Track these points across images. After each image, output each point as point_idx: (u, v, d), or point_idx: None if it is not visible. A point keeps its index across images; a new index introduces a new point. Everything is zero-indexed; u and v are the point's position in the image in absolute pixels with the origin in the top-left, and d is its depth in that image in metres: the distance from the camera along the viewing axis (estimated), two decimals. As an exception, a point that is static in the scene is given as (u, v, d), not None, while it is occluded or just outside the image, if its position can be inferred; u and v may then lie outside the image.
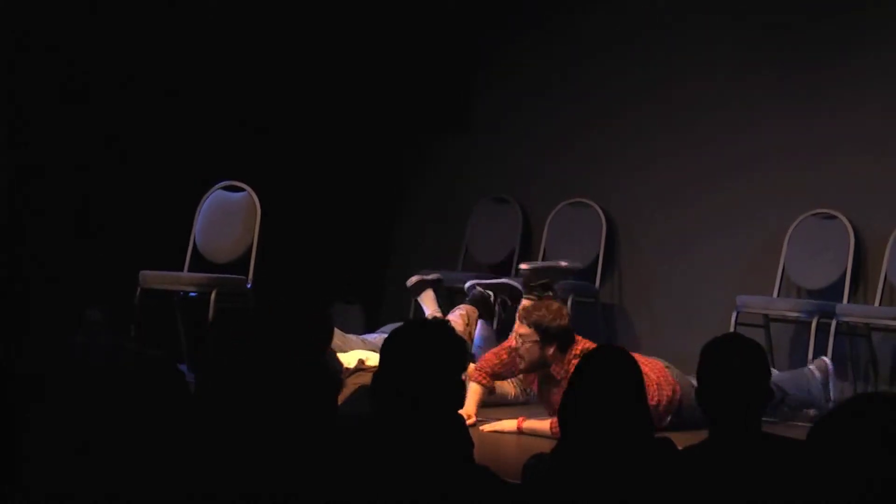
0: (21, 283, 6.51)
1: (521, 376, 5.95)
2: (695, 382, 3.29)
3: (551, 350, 5.48)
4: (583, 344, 5.57)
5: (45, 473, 2.52)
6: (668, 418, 5.51)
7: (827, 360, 6.23)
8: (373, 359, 5.64)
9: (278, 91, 7.77)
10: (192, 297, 6.82)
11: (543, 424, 5.39)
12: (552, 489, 3.00)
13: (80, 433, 2.55)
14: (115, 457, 2.53)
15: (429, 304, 6.86)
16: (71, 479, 2.51)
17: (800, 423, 5.74)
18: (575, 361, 5.44)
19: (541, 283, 6.53)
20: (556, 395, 5.46)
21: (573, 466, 2.99)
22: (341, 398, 5.47)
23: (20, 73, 6.92)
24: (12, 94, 6.91)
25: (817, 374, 6.10)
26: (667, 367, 5.73)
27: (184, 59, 7.36)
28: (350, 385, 5.29)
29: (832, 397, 6.13)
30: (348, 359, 5.59)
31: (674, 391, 5.57)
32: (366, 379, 5.26)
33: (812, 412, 5.98)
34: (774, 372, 5.90)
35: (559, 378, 5.49)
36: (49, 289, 6.51)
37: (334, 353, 5.40)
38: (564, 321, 5.51)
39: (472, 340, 6.46)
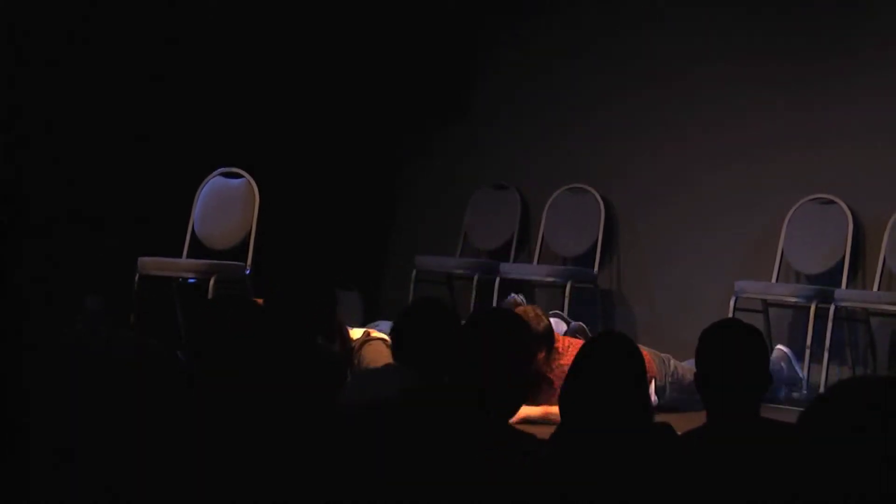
0: (19, 271, 6.51)
1: None
2: (691, 366, 3.30)
3: None
4: (561, 342, 5.57)
5: (44, 464, 2.52)
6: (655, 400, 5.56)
7: (782, 347, 6.38)
8: (376, 332, 5.65)
9: (277, 78, 7.76)
10: (191, 283, 6.82)
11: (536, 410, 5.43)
12: (552, 474, 3.01)
13: (78, 423, 2.55)
14: (113, 447, 2.53)
15: None
16: (70, 468, 2.51)
17: (790, 408, 5.79)
18: (562, 361, 5.47)
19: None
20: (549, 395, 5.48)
21: (573, 451, 2.99)
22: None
23: (17, 59, 6.90)
24: (9, 82, 6.90)
25: (781, 363, 6.28)
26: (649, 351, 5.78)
27: (182, 46, 7.35)
28: (363, 359, 5.27)
29: (800, 374, 6.29)
30: (354, 333, 5.58)
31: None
32: (374, 357, 5.23)
33: (794, 394, 6.19)
34: None
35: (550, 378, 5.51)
36: (47, 276, 6.51)
37: (344, 325, 5.39)
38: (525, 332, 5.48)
39: None
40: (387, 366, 4.87)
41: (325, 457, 2.72)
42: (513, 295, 6.65)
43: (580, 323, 6.48)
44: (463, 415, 2.97)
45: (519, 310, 5.82)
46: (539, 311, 5.64)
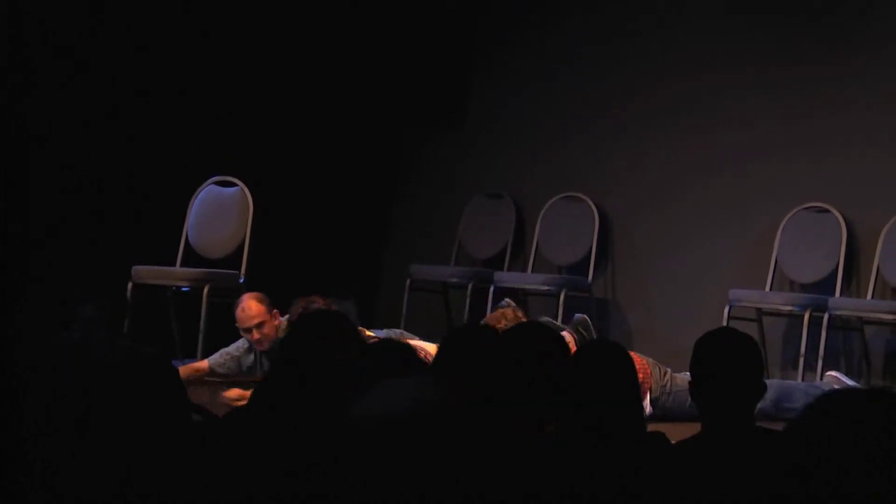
0: (14, 279, 6.50)
1: None
2: (687, 376, 3.31)
3: None
4: None
5: (40, 468, 2.52)
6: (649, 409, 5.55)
7: (836, 374, 6.29)
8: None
9: (271, 85, 7.76)
10: (185, 291, 6.82)
11: None
12: (545, 483, 3.01)
13: (74, 428, 2.55)
14: (109, 452, 2.53)
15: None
16: (66, 473, 2.50)
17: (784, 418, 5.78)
18: None
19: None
20: None
21: (566, 461, 2.99)
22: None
23: (12, 71, 6.90)
24: (5, 92, 6.89)
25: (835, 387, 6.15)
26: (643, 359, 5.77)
27: (176, 55, 7.35)
28: None
29: None
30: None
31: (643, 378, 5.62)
32: None
33: None
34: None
35: None
36: (41, 284, 6.50)
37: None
38: None
39: None
40: (409, 378, 4.87)
41: (346, 466, 2.73)
42: (506, 300, 6.63)
43: (583, 315, 6.44)
44: (496, 426, 2.99)
45: (497, 313, 5.82)
46: (519, 314, 5.65)
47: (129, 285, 6.68)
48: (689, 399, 3.28)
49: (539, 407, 3.11)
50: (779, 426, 3.27)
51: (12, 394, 2.69)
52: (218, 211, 7.07)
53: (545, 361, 3.15)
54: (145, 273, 6.72)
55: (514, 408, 3.08)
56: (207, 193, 7.12)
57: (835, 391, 1.90)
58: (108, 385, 2.59)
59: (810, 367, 6.60)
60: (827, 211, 7.00)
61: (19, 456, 2.55)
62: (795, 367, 6.63)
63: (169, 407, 2.62)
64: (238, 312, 6.09)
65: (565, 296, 7.32)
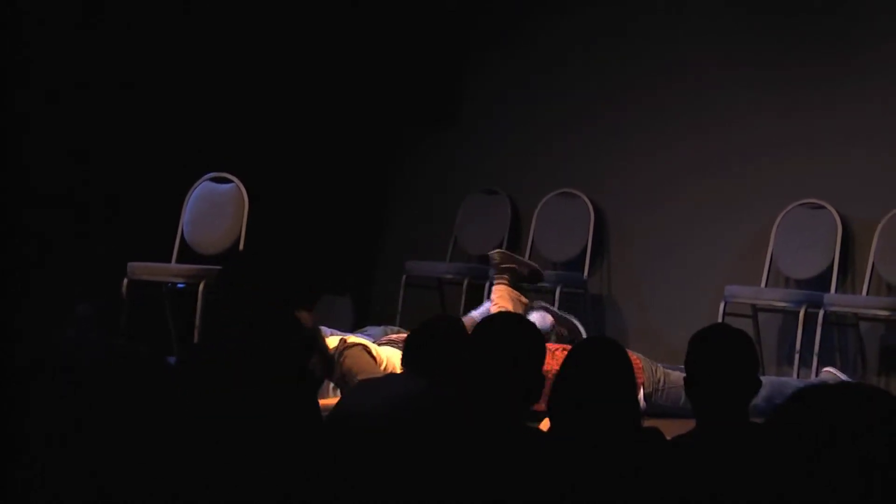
0: (10, 278, 6.50)
1: None
2: (681, 372, 3.31)
3: None
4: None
5: (34, 469, 2.52)
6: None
7: (831, 369, 6.28)
8: (353, 337, 5.62)
9: (267, 83, 7.76)
10: (181, 288, 6.81)
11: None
12: (541, 480, 3.01)
13: (69, 428, 2.55)
14: (103, 452, 2.54)
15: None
16: (59, 474, 2.51)
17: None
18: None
19: (510, 268, 6.45)
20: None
21: (562, 457, 2.99)
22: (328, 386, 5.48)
23: (9, 66, 6.89)
24: (3, 91, 6.89)
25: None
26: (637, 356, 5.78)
27: (171, 51, 7.35)
28: (343, 366, 5.26)
29: None
30: (331, 341, 5.55)
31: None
32: (354, 362, 5.23)
33: None
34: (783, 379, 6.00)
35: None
36: (36, 280, 6.50)
37: (321, 334, 5.37)
38: None
39: None
40: (393, 374, 4.86)
41: (329, 464, 2.73)
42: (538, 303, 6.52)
43: (570, 317, 6.42)
44: (476, 421, 2.98)
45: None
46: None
47: (125, 282, 6.67)
48: (683, 396, 3.28)
49: (516, 397, 3.09)
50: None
51: (11, 393, 2.69)
52: (213, 207, 7.06)
53: (519, 351, 3.12)
54: (141, 269, 6.72)
55: (490, 400, 3.06)
56: (203, 190, 7.12)
57: (810, 385, 1.91)
58: (101, 384, 2.59)
59: (805, 363, 6.61)
60: (822, 207, 7.01)
61: (17, 456, 2.55)
62: (791, 364, 6.63)
63: (163, 406, 2.62)
64: None
65: (561, 292, 7.32)
